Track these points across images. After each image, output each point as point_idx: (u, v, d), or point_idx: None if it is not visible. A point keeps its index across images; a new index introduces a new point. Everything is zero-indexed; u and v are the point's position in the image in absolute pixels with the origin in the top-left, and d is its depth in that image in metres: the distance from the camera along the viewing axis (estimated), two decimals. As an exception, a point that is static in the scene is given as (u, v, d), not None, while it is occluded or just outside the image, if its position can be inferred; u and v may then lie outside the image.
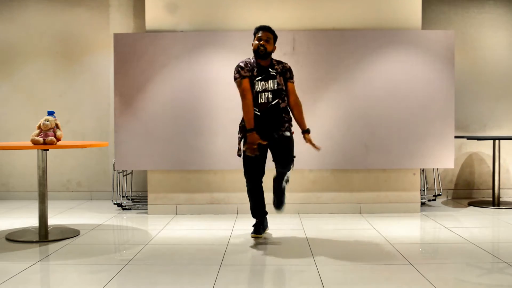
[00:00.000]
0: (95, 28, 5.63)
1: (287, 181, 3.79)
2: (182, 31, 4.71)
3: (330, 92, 4.65)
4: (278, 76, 3.64)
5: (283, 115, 3.67)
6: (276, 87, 3.61)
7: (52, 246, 3.51)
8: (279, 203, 3.79)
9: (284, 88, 3.67)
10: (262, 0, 4.75)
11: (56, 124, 3.72)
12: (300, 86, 4.59)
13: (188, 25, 4.75)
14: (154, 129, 4.65)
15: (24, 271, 2.90)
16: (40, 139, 3.61)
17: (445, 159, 4.68)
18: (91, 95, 5.65)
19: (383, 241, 3.62)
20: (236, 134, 4.34)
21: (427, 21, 5.62)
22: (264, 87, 3.60)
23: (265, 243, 3.60)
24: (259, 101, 3.61)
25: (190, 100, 4.64)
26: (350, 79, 4.65)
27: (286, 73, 3.69)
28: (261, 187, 3.78)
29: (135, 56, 4.64)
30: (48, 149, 3.74)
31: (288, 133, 3.67)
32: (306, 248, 3.45)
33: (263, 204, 3.84)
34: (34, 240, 3.65)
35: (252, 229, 3.85)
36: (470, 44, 5.71)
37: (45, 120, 3.67)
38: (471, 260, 3.12)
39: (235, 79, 3.61)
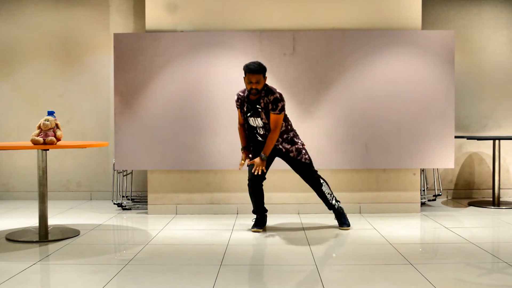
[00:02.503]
0: (95, 28, 5.63)
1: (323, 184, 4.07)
2: (182, 31, 4.71)
3: (330, 92, 4.65)
4: (262, 112, 3.80)
5: (285, 136, 3.91)
6: (262, 124, 3.84)
7: (52, 246, 3.51)
8: (328, 205, 4.11)
9: (267, 123, 3.83)
10: (262, 0, 4.75)
11: (56, 124, 3.72)
12: (300, 86, 4.61)
13: (188, 25, 4.75)
14: (154, 129, 4.64)
15: (24, 271, 2.90)
16: (40, 139, 3.61)
17: (445, 159, 4.68)
18: (91, 95, 5.65)
19: (383, 241, 3.62)
20: (235, 135, 4.34)
21: (427, 21, 5.62)
22: (255, 124, 3.86)
23: (265, 243, 3.60)
24: (260, 133, 3.89)
25: (190, 100, 4.64)
26: (350, 79, 4.65)
27: (267, 106, 3.77)
28: (261, 189, 3.97)
29: (135, 56, 4.64)
30: (48, 149, 3.74)
31: (299, 157, 3.92)
32: (306, 248, 3.45)
33: (262, 203, 4.02)
34: (34, 240, 3.65)
35: (252, 225, 4.03)
36: (470, 44, 5.71)
37: (45, 120, 3.67)
38: (471, 260, 3.12)
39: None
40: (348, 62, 4.65)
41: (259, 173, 3.75)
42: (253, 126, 3.89)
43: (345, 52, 4.65)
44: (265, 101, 3.76)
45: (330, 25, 4.76)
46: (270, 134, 3.79)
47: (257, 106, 3.79)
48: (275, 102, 3.73)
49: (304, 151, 3.94)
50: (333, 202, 4.06)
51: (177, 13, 4.74)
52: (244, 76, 3.78)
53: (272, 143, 3.80)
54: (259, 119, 3.81)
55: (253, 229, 3.96)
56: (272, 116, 3.76)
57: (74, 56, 5.65)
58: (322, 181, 4.02)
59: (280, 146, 3.91)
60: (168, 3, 4.74)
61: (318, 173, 4.05)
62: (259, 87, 3.74)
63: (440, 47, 4.65)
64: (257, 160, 3.77)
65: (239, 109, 3.93)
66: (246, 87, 3.79)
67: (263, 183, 3.97)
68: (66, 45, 5.65)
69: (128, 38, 4.66)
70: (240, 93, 3.91)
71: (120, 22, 5.61)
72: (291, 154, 3.91)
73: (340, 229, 4.01)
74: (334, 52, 4.65)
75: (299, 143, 3.94)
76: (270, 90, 3.78)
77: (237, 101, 3.92)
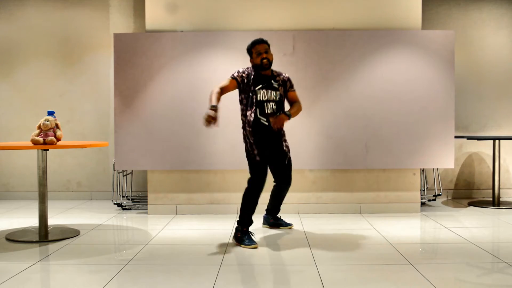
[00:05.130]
0: (95, 28, 5.63)
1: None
2: (182, 31, 4.71)
3: (330, 92, 4.65)
4: (280, 88, 3.72)
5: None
6: (278, 99, 3.69)
7: (52, 246, 3.51)
8: (277, 208, 4.02)
9: (284, 100, 3.79)
10: (262, 0, 4.75)
11: (56, 124, 3.72)
12: (300, 86, 4.60)
13: (188, 25, 4.75)
14: (154, 129, 4.65)
15: (24, 271, 2.91)
16: (40, 139, 3.61)
17: (445, 159, 4.68)
18: (91, 95, 5.65)
19: (383, 241, 3.62)
20: (235, 135, 4.34)
21: (427, 21, 5.62)
22: (267, 97, 3.64)
23: (265, 243, 3.60)
24: (266, 111, 3.63)
25: (190, 100, 4.64)
26: (350, 79, 4.65)
27: (286, 83, 3.77)
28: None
29: (135, 56, 4.64)
30: (48, 149, 3.75)
31: (288, 151, 3.81)
32: (306, 248, 3.45)
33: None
34: (34, 240, 3.65)
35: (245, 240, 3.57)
36: (470, 44, 5.71)
37: (45, 120, 3.67)
38: (471, 260, 3.12)
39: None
40: (348, 62, 4.65)
41: (277, 127, 3.56)
42: (262, 101, 3.62)
43: (345, 52, 4.65)
44: (281, 79, 3.75)
45: (330, 25, 4.76)
46: (298, 103, 3.79)
47: (272, 81, 3.69)
48: (290, 80, 3.82)
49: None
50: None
51: (177, 13, 4.74)
52: (250, 57, 3.68)
53: (300, 108, 3.77)
54: (274, 92, 3.65)
55: (250, 246, 3.45)
56: (293, 93, 3.81)
57: (74, 56, 5.65)
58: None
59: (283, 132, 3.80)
60: (168, 3, 4.74)
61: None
62: (270, 57, 3.64)
63: (440, 47, 4.65)
64: (282, 115, 3.57)
65: (233, 80, 3.60)
66: (256, 62, 3.62)
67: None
68: (66, 45, 5.65)
69: (128, 38, 4.66)
70: (246, 67, 3.72)
71: (120, 22, 5.61)
72: (285, 144, 3.78)
73: (284, 228, 4.07)
74: (334, 52, 4.65)
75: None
76: (277, 71, 3.81)
77: (243, 72, 3.64)
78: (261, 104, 3.62)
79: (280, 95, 3.70)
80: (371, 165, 4.67)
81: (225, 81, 3.63)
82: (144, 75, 4.64)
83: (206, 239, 3.74)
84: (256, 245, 3.48)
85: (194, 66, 4.63)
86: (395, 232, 3.92)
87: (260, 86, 3.63)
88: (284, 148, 3.77)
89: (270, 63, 3.64)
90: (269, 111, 3.63)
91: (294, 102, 3.82)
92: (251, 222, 3.64)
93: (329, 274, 2.84)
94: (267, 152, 3.63)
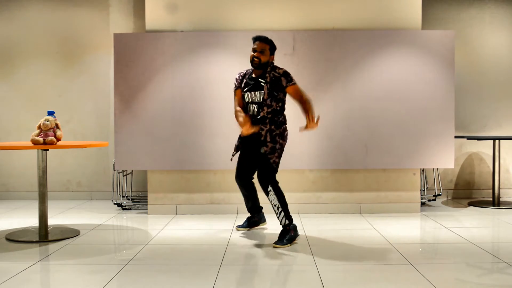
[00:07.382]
0: (95, 28, 5.63)
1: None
2: (182, 31, 4.71)
3: (330, 92, 4.65)
4: (266, 86, 3.58)
5: (275, 119, 3.60)
6: (261, 99, 3.61)
7: (52, 246, 3.51)
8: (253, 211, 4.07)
9: (267, 98, 3.58)
10: (262, 0, 4.75)
11: (56, 124, 3.72)
12: (300, 86, 4.60)
13: (188, 25, 4.75)
14: (154, 129, 4.65)
15: (24, 271, 2.91)
16: (40, 139, 3.61)
17: (445, 159, 4.68)
18: (91, 95, 5.65)
19: (383, 241, 3.62)
20: (235, 135, 4.34)
21: (427, 21, 5.62)
22: (250, 99, 3.67)
23: (265, 243, 3.60)
24: (249, 112, 3.71)
25: (190, 100, 4.64)
26: (350, 79, 4.65)
27: (278, 80, 3.58)
28: (250, 187, 3.91)
29: (135, 56, 4.64)
30: (48, 149, 3.75)
31: (269, 155, 3.56)
32: (306, 248, 3.45)
33: (253, 202, 4.00)
34: (34, 240, 3.65)
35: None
36: (470, 44, 5.71)
37: (45, 120, 3.67)
38: (471, 260, 3.13)
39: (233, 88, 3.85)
40: (348, 62, 4.65)
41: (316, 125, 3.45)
42: (247, 102, 3.67)
43: (345, 52, 4.65)
44: (271, 75, 3.58)
45: (330, 25, 4.76)
46: (305, 102, 3.51)
47: (260, 80, 3.61)
48: (286, 75, 3.58)
49: (277, 153, 3.59)
50: (280, 217, 3.56)
51: (177, 13, 4.74)
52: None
53: (311, 106, 3.50)
54: (258, 93, 3.59)
55: (237, 227, 4.09)
56: (292, 88, 3.56)
57: (74, 56, 5.65)
58: (270, 188, 3.55)
59: (264, 132, 3.57)
60: (168, 3, 4.74)
61: (278, 184, 3.62)
62: (263, 58, 3.56)
63: (440, 47, 4.65)
64: (313, 124, 3.45)
65: (239, 89, 3.72)
66: (250, 59, 3.62)
67: (251, 182, 3.87)
68: (66, 45, 5.65)
69: (128, 38, 4.66)
70: (243, 71, 3.80)
71: (120, 22, 5.61)
72: (264, 149, 3.56)
73: (273, 245, 3.51)
74: (334, 52, 4.65)
75: (278, 144, 3.59)
76: (276, 66, 3.65)
77: (238, 78, 3.74)
78: (246, 106, 3.74)
79: (264, 93, 3.57)
80: (371, 165, 4.67)
81: (234, 97, 3.80)
82: (144, 75, 4.64)
83: (206, 239, 3.74)
84: (237, 227, 4.07)
85: (194, 66, 4.64)
86: (395, 232, 3.92)
87: (247, 88, 3.69)
88: (263, 150, 3.58)
89: (261, 64, 3.59)
90: (250, 113, 3.68)
91: (300, 101, 3.55)
92: (248, 210, 4.06)
93: (329, 274, 2.84)
94: (241, 152, 3.86)
